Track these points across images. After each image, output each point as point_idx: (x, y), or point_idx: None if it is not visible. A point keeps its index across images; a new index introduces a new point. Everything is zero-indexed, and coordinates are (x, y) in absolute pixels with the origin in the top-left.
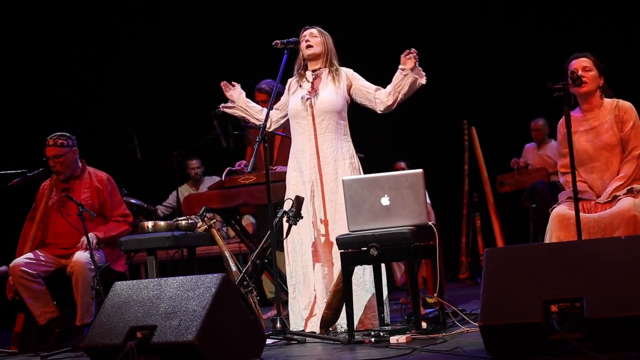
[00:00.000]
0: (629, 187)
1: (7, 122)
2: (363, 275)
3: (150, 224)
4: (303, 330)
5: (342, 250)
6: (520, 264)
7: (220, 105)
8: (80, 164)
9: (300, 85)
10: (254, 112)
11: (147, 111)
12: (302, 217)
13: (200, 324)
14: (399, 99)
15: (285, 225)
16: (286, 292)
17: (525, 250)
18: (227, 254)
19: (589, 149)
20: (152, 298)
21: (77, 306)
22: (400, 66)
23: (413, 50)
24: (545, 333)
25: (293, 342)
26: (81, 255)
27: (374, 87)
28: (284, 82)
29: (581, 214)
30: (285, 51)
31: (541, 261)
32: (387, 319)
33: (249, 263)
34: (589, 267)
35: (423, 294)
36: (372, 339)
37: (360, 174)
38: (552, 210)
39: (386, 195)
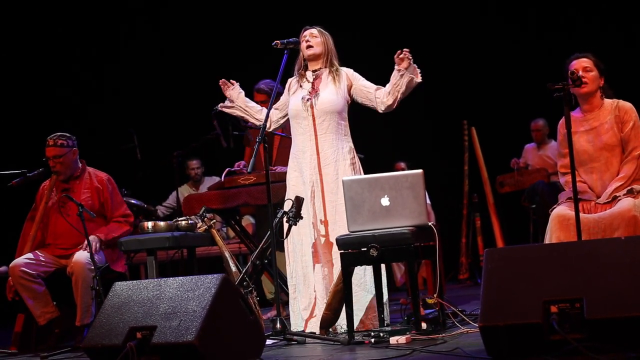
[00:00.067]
0: (629, 188)
1: (7, 122)
2: (364, 276)
3: (150, 224)
4: (303, 331)
5: (342, 251)
6: (520, 264)
7: (219, 105)
8: (80, 165)
9: (301, 86)
10: (254, 112)
11: (147, 111)
12: (302, 218)
13: (200, 324)
14: (398, 98)
15: (285, 226)
16: (286, 293)
17: (525, 250)
18: (227, 254)
19: (589, 149)
20: (152, 298)
21: (77, 306)
22: (395, 67)
23: (405, 50)
24: (545, 334)
25: (293, 342)
26: (81, 256)
27: (375, 86)
28: (283, 82)
29: (581, 214)
30: (285, 51)
31: (541, 262)
32: (387, 320)
33: (249, 263)
34: (589, 267)
35: (423, 295)
36: (372, 340)
37: (361, 174)
38: (552, 211)
39: (386, 196)
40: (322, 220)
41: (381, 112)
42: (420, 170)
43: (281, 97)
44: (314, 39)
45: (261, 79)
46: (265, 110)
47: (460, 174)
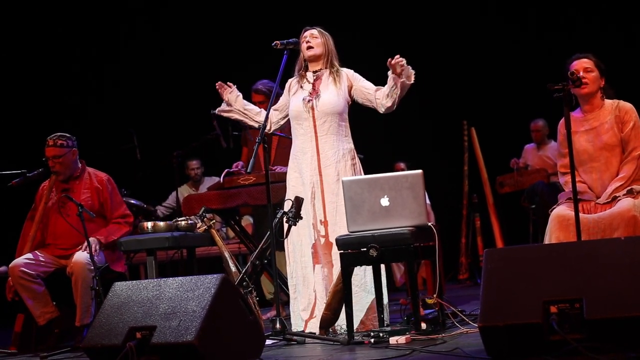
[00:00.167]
0: (628, 188)
1: (7, 122)
2: (364, 277)
3: (149, 224)
4: (303, 331)
5: (342, 251)
6: (520, 264)
7: (217, 110)
8: (80, 165)
9: (301, 87)
10: (252, 114)
11: (147, 111)
12: (301, 218)
13: (200, 324)
14: (396, 101)
15: (285, 226)
16: (286, 293)
17: (524, 251)
18: (226, 254)
19: (589, 148)
20: (151, 298)
21: (76, 307)
22: (389, 72)
23: (397, 58)
24: (545, 334)
25: (292, 342)
26: (81, 256)
27: (375, 87)
28: (283, 83)
29: (581, 214)
30: (285, 52)
31: (541, 262)
32: (387, 320)
33: (249, 264)
34: (589, 267)
35: (423, 295)
36: (372, 340)
37: (361, 175)
38: (551, 211)
39: (386, 196)
40: (322, 221)
41: (382, 112)
42: (419, 171)
43: (281, 98)
44: (314, 40)
45: (261, 79)
46: (264, 112)
47: (460, 174)
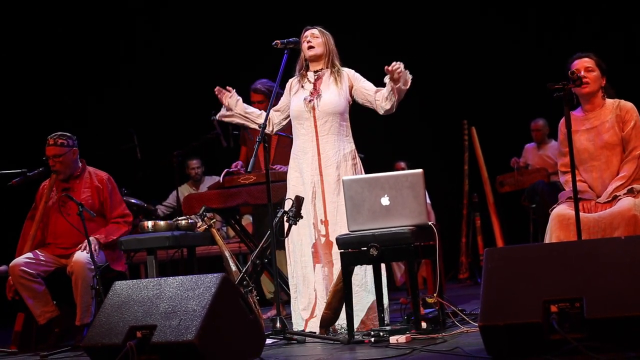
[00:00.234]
0: (629, 187)
1: (7, 121)
2: (365, 276)
3: (150, 223)
4: (303, 331)
5: (342, 250)
6: (520, 264)
7: (218, 115)
8: (80, 164)
9: (302, 86)
10: (254, 117)
11: (147, 111)
12: (301, 217)
13: (200, 323)
14: (395, 104)
15: (286, 225)
16: (286, 292)
17: (525, 250)
18: (227, 253)
19: (589, 147)
20: (152, 298)
21: (76, 306)
22: (386, 77)
23: (394, 64)
24: (545, 333)
25: (293, 341)
26: (81, 255)
27: (375, 88)
28: (283, 82)
29: (581, 214)
30: (285, 51)
31: (541, 261)
32: (387, 319)
33: (249, 263)
34: (589, 267)
35: (423, 294)
36: (372, 339)
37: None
38: (552, 211)
39: (386, 195)
40: (322, 221)
41: (381, 114)
42: (420, 170)
43: (282, 99)
44: (315, 40)
45: (264, 79)
46: (264, 113)
47: (460, 173)
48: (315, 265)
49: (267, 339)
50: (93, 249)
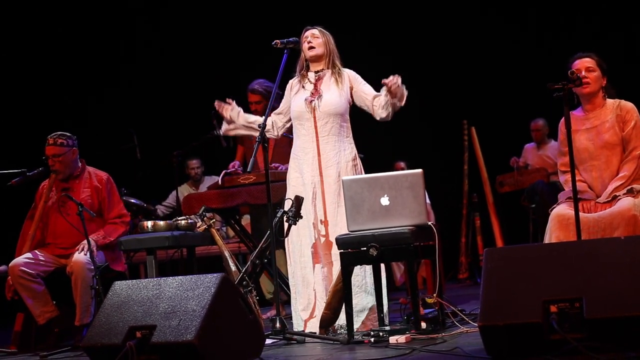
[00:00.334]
0: (629, 187)
1: (7, 121)
2: (364, 278)
3: (149, 223)
4: (303, 331)
5: (342, 250)
6: (519, 264)
7: (221, 131)
8: (80, 164)
9: (303, 86)
10: (257, 125)
11: (147, 111)
12: (301, 217)
13: (200, 323)
14: (391, 114)
15: (285, 225)
16: (285, 292)
17: (524, 250)
18: (226, 253)
19: (589, 147)
20: (151, 298)
21: (76, 306)
22: (383, 89)
23: (392, 78)
24: (545, 333)
25: (292, 342)
26: (81, 255)
27: (373, 93)
28: (282, 83)
29: (581, 214)
30: (285, 51)
31: (541, 261)
32: (387, 319)
33: (249, 263)
34: (589, 267)
35: (422, 294)
36: (372, 339)
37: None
38: (551, 211)
39: (386, 195)
40: (322, 221)
41: (377, 120)
42: (419, 170)
43: (282, 102)
44: (315, 40)
45: (262, 79)
46: (261, 119)
47: (460, 173)
48: (315, 266)
49: (267, 339)
50: (92, 250)
